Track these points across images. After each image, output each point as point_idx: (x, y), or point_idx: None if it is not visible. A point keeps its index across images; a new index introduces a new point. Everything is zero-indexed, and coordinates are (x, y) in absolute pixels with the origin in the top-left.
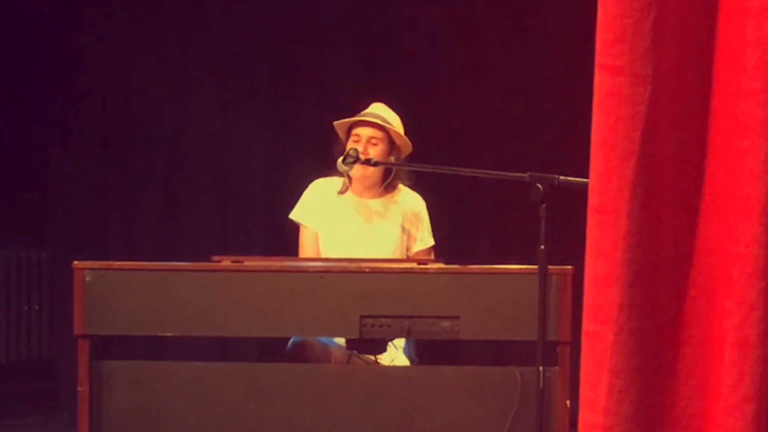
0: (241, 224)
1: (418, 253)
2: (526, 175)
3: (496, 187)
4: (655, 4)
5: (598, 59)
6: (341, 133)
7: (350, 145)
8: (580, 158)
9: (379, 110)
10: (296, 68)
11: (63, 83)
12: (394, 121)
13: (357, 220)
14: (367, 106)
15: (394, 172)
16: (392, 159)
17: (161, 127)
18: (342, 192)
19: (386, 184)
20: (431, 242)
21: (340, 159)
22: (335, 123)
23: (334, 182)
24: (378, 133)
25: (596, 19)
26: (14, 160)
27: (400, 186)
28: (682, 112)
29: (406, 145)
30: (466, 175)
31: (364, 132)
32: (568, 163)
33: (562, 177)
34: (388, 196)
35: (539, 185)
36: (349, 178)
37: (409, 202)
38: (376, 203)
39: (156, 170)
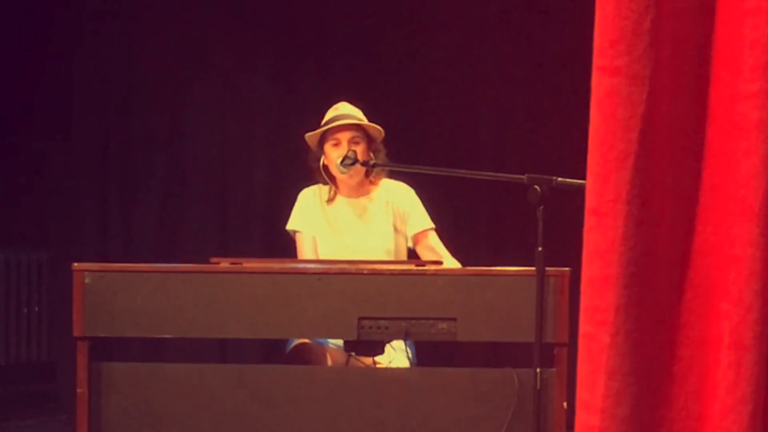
0: (240, 226)
1: (418, 234)
2: (524, 176)
3: (494, 188)
4: (653, 6)
5: (596, 60)
6: (313, 144)
7: (330, 150)
8: (578, 160)
9: (347, 109)
10: (297, 71)
11: (62, 84)
12: (361, 114)
13: (354, 221)
14: (328, 108)
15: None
16: (371, 153)
17: (160, 128)
18: (331, 199)
19: (370, 178)
20: (431, 224)
21: (338, 161)
22: (307, 135)
23: (322, 190)
24: (356, 132)
25: (594, 20)
26: (14, 161)
27: (384, 179)
28: (680, 114)
29: (379, 133)
30: (464, 177)
31: (343, 135)
32: (565, 165)
33: (560, 178)
34: (375, 191)
35: (537, 187)
36: (335, 183)
37: (399, 192)
38: (367, 200)
39: (155, 172)
